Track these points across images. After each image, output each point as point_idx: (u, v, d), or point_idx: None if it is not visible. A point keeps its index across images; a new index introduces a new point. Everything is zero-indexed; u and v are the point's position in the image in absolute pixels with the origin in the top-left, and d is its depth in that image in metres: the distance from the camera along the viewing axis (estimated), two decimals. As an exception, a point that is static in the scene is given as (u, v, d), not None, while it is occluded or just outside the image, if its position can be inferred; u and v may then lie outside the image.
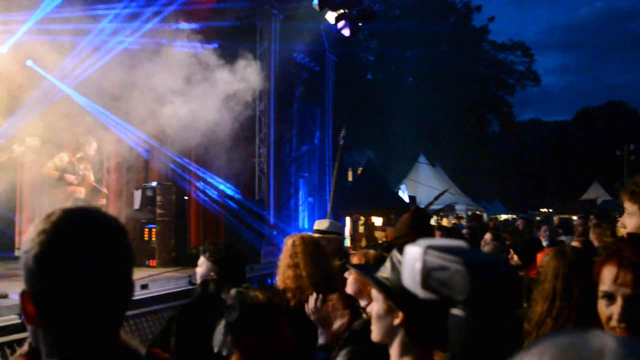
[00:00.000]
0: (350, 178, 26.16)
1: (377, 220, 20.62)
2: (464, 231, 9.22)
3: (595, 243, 4.78)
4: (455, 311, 1.09)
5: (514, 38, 52.41)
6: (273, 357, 2.25)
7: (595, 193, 35.56)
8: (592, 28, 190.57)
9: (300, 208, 15.74)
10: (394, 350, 1.45)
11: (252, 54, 13.01)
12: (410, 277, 1.16)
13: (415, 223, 3.77)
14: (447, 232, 5.15)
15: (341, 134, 12.44)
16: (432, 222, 21.84)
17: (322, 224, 5.43)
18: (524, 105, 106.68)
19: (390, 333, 1.45)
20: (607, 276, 1.65)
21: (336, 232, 5.43)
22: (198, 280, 3.45)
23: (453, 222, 24.11)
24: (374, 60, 47.20)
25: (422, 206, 16.55)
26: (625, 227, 2.20)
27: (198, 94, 10.00)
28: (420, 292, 1.14)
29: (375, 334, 1.50)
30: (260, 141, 13.29)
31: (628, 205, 2.18)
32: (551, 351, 0.60)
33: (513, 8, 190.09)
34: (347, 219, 20.99)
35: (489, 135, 53.53)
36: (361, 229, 21.51)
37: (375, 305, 1.50)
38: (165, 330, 3.18)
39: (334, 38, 15.86)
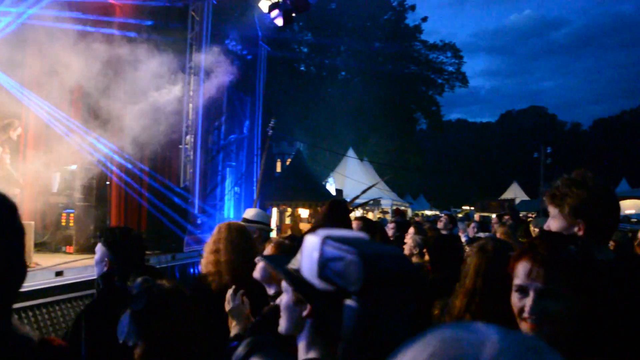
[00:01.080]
0: (279, 169, 26.11)
1: (304, 212, 20.71)
2: (391, 225, 9.39)
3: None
4: (349, 302, 1.09)
5: (446, 39, 53.70)
6: (180, 346, 2.21)
7: (514, 193, 37.13)
8: (520, 34, 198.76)
9: (226, 197, 15.55)
10: (302, 342, 1.45)
11: (182, 38, 12.77)
12: (308, 267, 1.16)
13: (332, 215, 3.80)
14: (366, 223, 5.20)
15: (270, 124, 12.40)
16: (358, 215, 22.11)
17: (250, 213, 5.44)
18: (452, 106, 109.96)
19: (298, 325, 1.44)
20: (521, 271, 1.73)
21: (263, 222, 5.45)
22: (95, 268, 3.37)
23: (378, 216, 24.52)
24: (308, 52, 47.20)
25: (348, 199, 16.75)
26: (550, 230, 2.26)
27: (123, 77, 9.70)
28: (317, 282, 1.13)
29: (283, 326, 1.49)
30: (187, 128, 13.02)
31: (550, 209, 2.24)
32: (434, 344, 0.61)
33: (446, 10, 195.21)
34: (274, 210, 20.96)
35: (417, 133, 54.69)
36: (288, 220, 21.53)
37: (284, 297, 1.49)
38: (75, 326, 3.08)
39: (267, 27, 15.75)
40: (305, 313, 1.42)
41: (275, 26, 11.58)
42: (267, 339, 1.50)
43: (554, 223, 2.24)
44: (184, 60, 12.83)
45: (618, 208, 2.28)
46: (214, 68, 13.58)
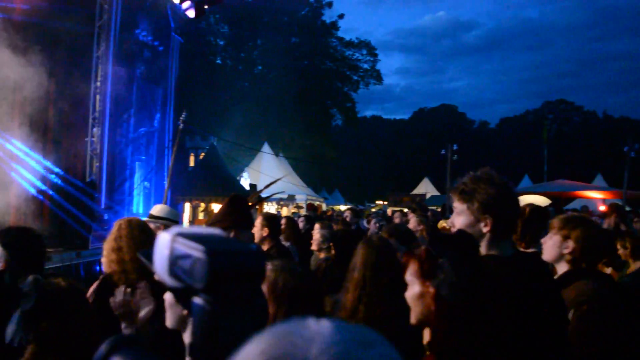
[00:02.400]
0: (192, 163, 25.63)
1: (217, 208, 20.42)
2: (300, 220, 9.43)
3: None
4: (196, 299, 1.09)
5: (363, 37, 54.41)
6: (72, 346, 2.12)
7: (425, 188, 38.25)
8: (433, 35, 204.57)
9: (135, 192, 15.08)
10: (186, 338, 1.44)
11: (89, 26, 12.25)
12: (159, 265, 1.14)
13: (232, 210, 3.74)
14: (268, 219, 5.17)
15: (181, 118, 12.11)
16: (273, 210, 22.03)
17: (156, 209, 5.33)
18: (367, 102, 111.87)
19: (180, 321, 1.43)
20: (410, 268, 1.79)
21: (169, 218, 5.32)
22: None
23: (293, 211, 24.59)
24: (224, 45, 46.58)
25: (263, 195, 16.64)
26: (454, 226, 2.28)
27: (21, 61, 9.17)
28: (168, 280, 1.12)
29: (169, 321, 1.47)
30: (94, 120, 12.51)
31: (457, 205, 2.25)
32: (267, 340, 0.63)
33: (363, 8, 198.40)
34: (187, 205, 20.57)
35: (332, 129, 55.25)
36: (201, 216, 21.19)
37: (167, 294, 1.47)
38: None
39: (181, 18, 15.37)
40: (185, 312, 1.40)
41: (189, 17, 11.33)
42: (131, 337, 1.47)
43: (459, 219, 2.26)
44: (91, 49, 12.34)
45: (519, 205, 2.35)
46: (123, 58, 13.12)
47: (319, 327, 0.64)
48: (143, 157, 15.63)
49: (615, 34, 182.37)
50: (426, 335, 1.80)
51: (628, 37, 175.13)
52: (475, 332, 1.69)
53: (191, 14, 10.29)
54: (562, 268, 3.01)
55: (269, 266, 2.46)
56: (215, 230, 1.20)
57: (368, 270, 2.59)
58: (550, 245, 3.07)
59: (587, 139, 70.16)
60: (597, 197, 22.98)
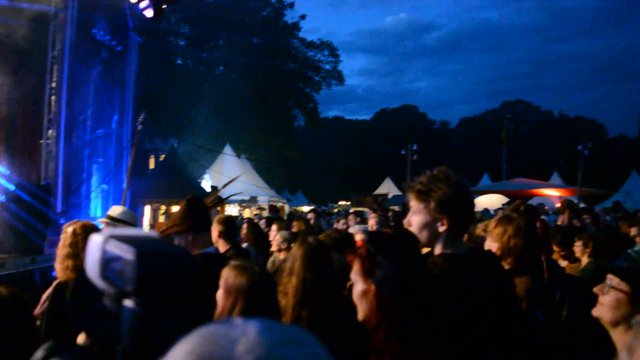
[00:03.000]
0: (152, 166, 25.28)
1: (178, 210, 20.17)
2: (262, 222, 9.39)
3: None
4: (126, 302, 1.08)
5: (325, 38, 54.68)
6: (11, 357, 2.04)
7: (388, 188, 38.51)
8: (395, 36, 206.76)
9: (93, 195, 14.76)
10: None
11: (44, 24, 11.93)
12: (91, 267, 1.13)
13: (189, 212, 3.68)
14: (225, 222, 5.13)
15: (140, 119, 11.91)
16: (235, 212, 21.85)
17: (115, 211, 5.26)
18: (330, 103, 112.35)
19: None
20: (355, 266, 1.81)
21: (128, 221, 5.24)
22: None
23: (255, 212, 24.46)
24: (185, 45, 46.06)
25: (224, 197, 16.48)
26: (411, 225, 2.29)
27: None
28: (100, 283, 1.11)
29: None
30: (49, 122, 12.19)
31: (414, 204, 2.26)
32: (195, 341, 0.63)
33: (326, 10, 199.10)
34: (147, 208, 20.28)
35: (295, 129, 55.22)
36: (162, 219, 20.93)
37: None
38: None
39: (139, 18, 15.10)
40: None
41: (148, 17, 11.12)
42: (69, 343, 1.45)
43: (416, 218, 2.27)
44: (46, 48, 12.03)
45: (473, 204, 2.37)
46: (79, 58, 12.82)
47: (246, 327, 0.64)
48: (101, 160, 15.33)
49: (571, 35, 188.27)
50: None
51: (583, 39, 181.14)
52: (420, 329, 1.69)
53: (149, 13, 10.08)
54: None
55: (227, 266, 2.44)
56: (150, 233, 1.19)
57: (308, 273, 2.59)
58: (487, 246, 3.18)
59: (544, 138, 71.81)
60: (553, 194, 23.55)
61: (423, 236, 2.24)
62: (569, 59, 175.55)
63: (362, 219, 8.42)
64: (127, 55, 16.09)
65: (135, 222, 5.43)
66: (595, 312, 2.15)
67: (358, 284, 1.80)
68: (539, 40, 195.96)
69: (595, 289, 2.17)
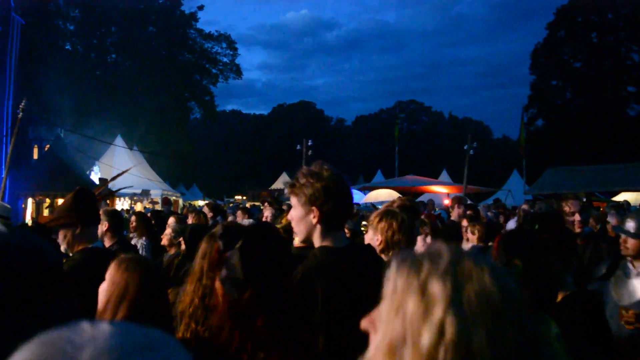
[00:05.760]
0: (36, 156, 23.83)
1: (64, 203, 19.19)
2: (148, 215, 9.12)
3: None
4: None
5: (225, 30, 53.83)
6: None
7: (283, 183, 38.69)
8: (296, 32, 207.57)
9: (-33, 186, 13.72)
10: None
11: None
12: None
13: (77, 205, 3.51)
14: (108, 214, 4.96)
15: (21, 105, 11.18)
16: (126, 206, 21.10)
17: None
18: (229, 96, 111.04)
19: None
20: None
21: (1, 215, 4.95)
22: None
23: (147, 206, 23.74)
24: (75, 30, 43.74)
25: (114, 189, 15.86)
26: (292, 219, 2.38)
27: None
28: None
29: None
30: None
31: (291, 199, 2.36)
32: (34, 349, 0.57)
33: (226, 2, 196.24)
34: (30, 200, 19.13)
35: (190, 122, 54.15)
36: (46, 212, 19.79)
37: None
38: None
39: (22, -2, 14.21)
40: None
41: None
42: None
43: (292, 212, 2.37)
44: None
45: (349, 197, 2.44)
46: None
47: (94, 332, 0.59)
48: (-23, 148, 14.29)
49: (462, 41, 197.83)
50: None
51: (474, 45, 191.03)
52: (299, 321, 1.72)
53: (33, -7, 9.51)
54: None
55: (113, 260, 2.35)
56: (1, 227, 1.08)
57: (205, 262, 2.57)
58: (368, 239, 3.30)
59: (435, 138, 75.07)
60: (442, 191, 24.62)
61: (300, 229, 2.34)
62: (460, 63, 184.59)
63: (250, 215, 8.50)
64: (7, 37, 15.05)
65: (8, 215, 5.14)
66: None
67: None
68: (434, 43, 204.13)
69: None
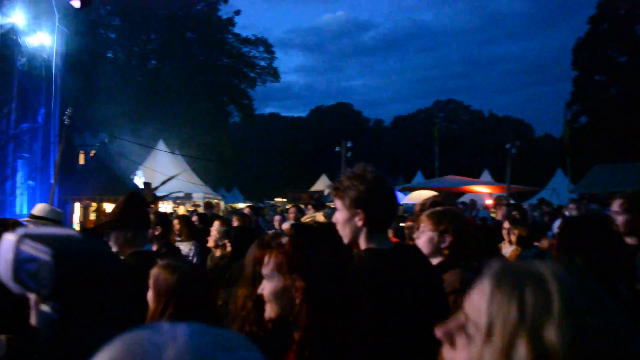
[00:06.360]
0: (82, 161, 24.45)
1: (110, 207, 19.63)
2: (194, 218, 9.26)
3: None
4: (43, 307, 1.00)
5: (261, 34, 54.21)
6: None
7: (323, 185, 38.68)
8: (332, 34, 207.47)
9: (18, 192, 14.18)
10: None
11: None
12: (3, 269, 1.03)
13: (129, 209, 3.57)
14: (161, 217, 5.03)
15: (67, 113, 11.48)
16: (169, 209, 21.43)
17: (38, 209, 5.11)
18: (267, 99, 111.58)
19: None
20: (273, 261, 1.85)
21: (53, 218, 5.07)
22: None
23: (190, 209, 24.07)
24: (116, 38, 44.72)
25: (158, 194, 16.13)
26: (337, 222, 2.36)
27: None
28: (12, 286, 1.01)
29: (33, 320, 1.37)
30: (-31, 115, 11.62)
31: (336, 202, 2.36)
32: (117, 348, 0.59)
33: (262, 5, 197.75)
34: (77, 205, 19.62)
35: (230, 126, 54.68)
36: (93, 216, 20.28)
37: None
38: None
39: (66, 9, 14.57)
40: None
41: (75, 8, 10.76)
42: None
43: (337, 215, 2.36)
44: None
45: (394, 198, 2.43)
46: (1, 48, 12.27)
47: (175, 332, 0.60)
48: (27, 155, 14.73)
49: (501, 38, 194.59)
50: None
51: (513, 42, 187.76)
52: (349, 323, 1.71)
53: (76, 4, 9.75)
54: (433, 261, 3.13)
55: (155, 265, 2.39)
56: (69, 231, 1.10)
57: (258, 267, 2.58)
58: (426, 241, 3.18)
59: (475, 137, 74.03)
60: (484, 191, 24.27)
61: (345, 232, 2.32)
62: (499, 61, 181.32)
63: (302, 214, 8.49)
64: (53, 47, 15.49)
65: (60, 219, 5.26)
66: None
67: (274, 280, 1.81)
68: (472, 41, 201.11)
69: None
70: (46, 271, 0.97)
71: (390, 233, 3.69)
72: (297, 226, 1.90)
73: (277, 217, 9.45)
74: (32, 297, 1.24)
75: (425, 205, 3.87)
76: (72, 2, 9.79)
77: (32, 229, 1.04)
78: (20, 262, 1.00)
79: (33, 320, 1.30)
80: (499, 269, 0.91)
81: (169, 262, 2.38)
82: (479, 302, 0.89)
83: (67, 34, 16.20)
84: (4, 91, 12.76)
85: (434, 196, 5.29)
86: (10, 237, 1.02)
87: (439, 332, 0.95)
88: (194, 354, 0.57)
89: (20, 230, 1.02)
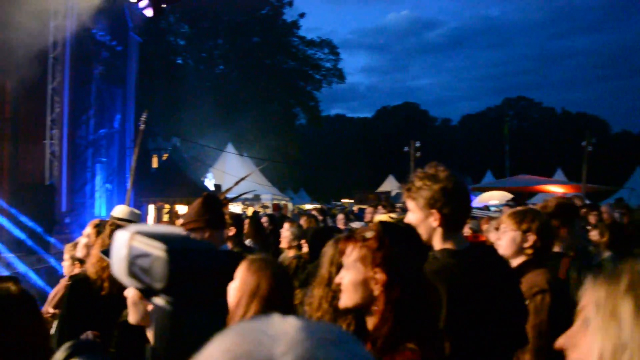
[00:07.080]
0: (155, 165, 25.30)
1: (182, 209, 20.23)
2: (264, 219, 9.41)
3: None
4: (157, 300, 1.05)
5: (326, 36, 54.53)
6: (23, 357, 2.01)
7: (390, 185, 38.45)
8: (397, 33, 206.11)
9: (97, 194, 14.82)
10: (150, 332, 1.42)
11: (43, 25, 11.96)
12: (117, 264, 1.09)
13: (205, 210, 3.66)
14: (235, 219, 5.14)
15: (142, 118, 11.91)
16: (238, 210, 21.82)
17: (118, 211, 5.27)
18: (333, 101, 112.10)
19: (144, 318, 1.40)
20: (356, 252, 1.82)
21: (132, 220, 5.25)
22: None
23: (258, 210, 24.47)
24: (185, 45, 46.04)
25: (228, 195, 16.50)
26: (411, 222, 2.35)
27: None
28: (126, 280, 1.07)
29: (132, 318, 1.44)
30: (52, 122, 12.23)
31: (408, 202, 2.35)
32: (231, 338, 0.61)
33: (326, 7, 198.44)
34: (151, 207, 20.31)
35: (297, 128, 55.14)
36: (166, 218, 20.94)
37: (130, 291, 1.44)
38: None
39: (139, 18, 15.14)
40: (150, 308, 1.38)
41: (148, 17, 11.18)
42: (91, 343, 1.42)
43: (411, 216, 2.34)
44: (46, 49, 12.06)
45: (468, 197, 2.40)
46: (80, 58, 12.86)
47: (285, 325, 0.63)
48: (104, 159, 15.38)
49: (573, 32, 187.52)
50: (369, 321, 1.81)
51: (585, 35, 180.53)
52: (429, 320, 1.71)
53: (149, 13, 10.13)
54: (516, 261, 3.05)
55: (245, 261, 2.44)
56: (175, 229, 1.16)
57: (333, 268, 2.60)
58: (509, 241, 3.11)
59: (547, 135, 71.54)
60: (557, 191, 23.39)
61: (420, 233, 2.27)
62: (570, 55, 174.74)
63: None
64: (127, 55, 16.12)
65: (139, 221, 5.44)
66: None
67: (355, 271, 1.81)
68: (541, 36, 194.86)
69: None
70: (159, 266, 1.03)
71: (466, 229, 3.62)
72: (384, 223, 1.91)
73: (340, 217, 9.48)
74: (129, 294, 1.31)
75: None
76: (144, 12, 10.15)
77: (143, 226, 1.10)
78: (134, 258, 1.06)
79: (131, 317, 1.37)
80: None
81: (257, 258, 2.41)
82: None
83: (139, 42, 16.82)
84: (84, 99, 13.37)
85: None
86: (123, 234, 1.08)
87: (560, 343, 0.98)
88: (304, 346, 0.59)
89: (132, 228, 1.08)
